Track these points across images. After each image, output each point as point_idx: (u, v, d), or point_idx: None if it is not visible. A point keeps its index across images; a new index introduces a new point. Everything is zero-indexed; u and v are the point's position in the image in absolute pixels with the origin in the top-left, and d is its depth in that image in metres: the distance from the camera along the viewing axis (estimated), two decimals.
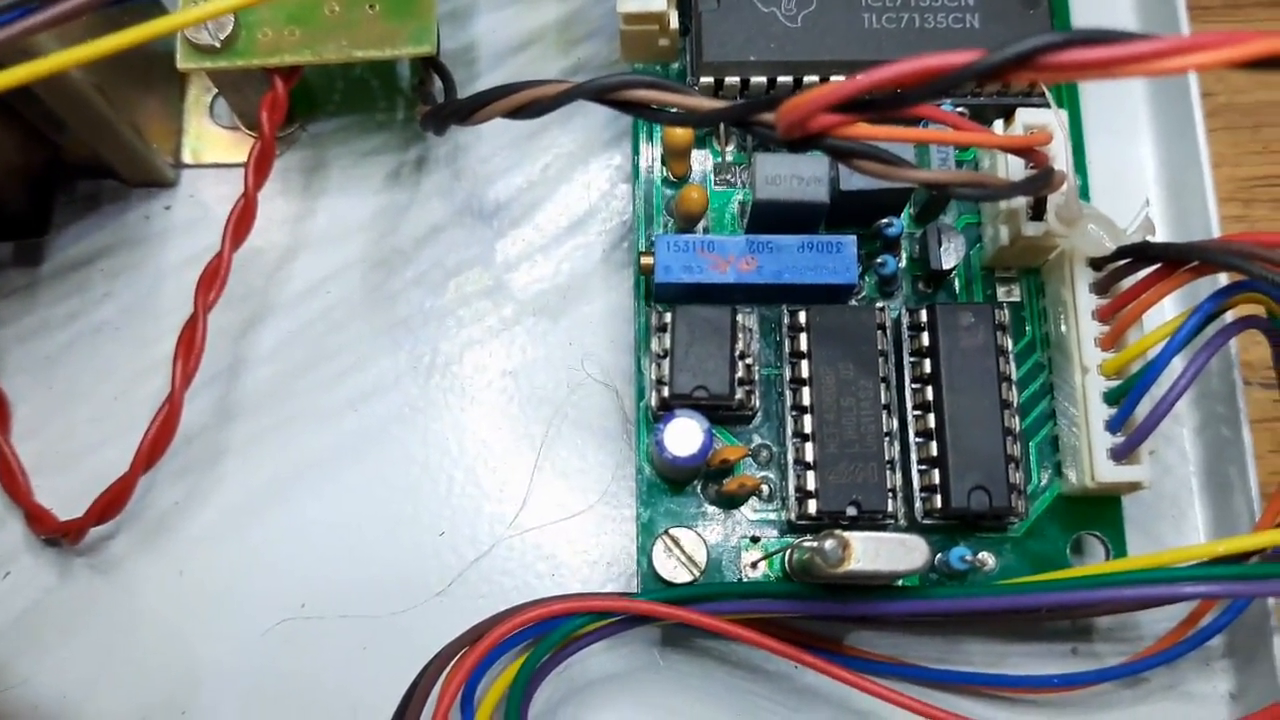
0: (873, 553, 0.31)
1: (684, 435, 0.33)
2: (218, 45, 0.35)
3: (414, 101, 0.41)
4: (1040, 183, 0.31)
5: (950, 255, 0.36)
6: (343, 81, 0.42)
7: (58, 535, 0.37)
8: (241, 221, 0.36)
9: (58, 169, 0.39)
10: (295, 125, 0.41)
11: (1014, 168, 0.35)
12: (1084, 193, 0.38)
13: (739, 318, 0.35)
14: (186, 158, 0.41)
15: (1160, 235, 0.40)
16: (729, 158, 0.38)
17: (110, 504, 0.35)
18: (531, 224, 0.41)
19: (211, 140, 0.41)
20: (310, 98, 0.42)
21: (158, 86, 0.40)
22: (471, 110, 0.32)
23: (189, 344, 0.35)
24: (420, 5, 0.36)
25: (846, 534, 0.31)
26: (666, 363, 0.35)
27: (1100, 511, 0.36)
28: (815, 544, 0.31)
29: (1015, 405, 0.35)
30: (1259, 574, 0.30)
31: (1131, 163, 0.42)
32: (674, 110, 0.30)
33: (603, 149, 0.41)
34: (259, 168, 0.36)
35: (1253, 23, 0.45)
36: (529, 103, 0.31)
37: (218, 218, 0.36)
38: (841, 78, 0.35)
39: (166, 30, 0.28)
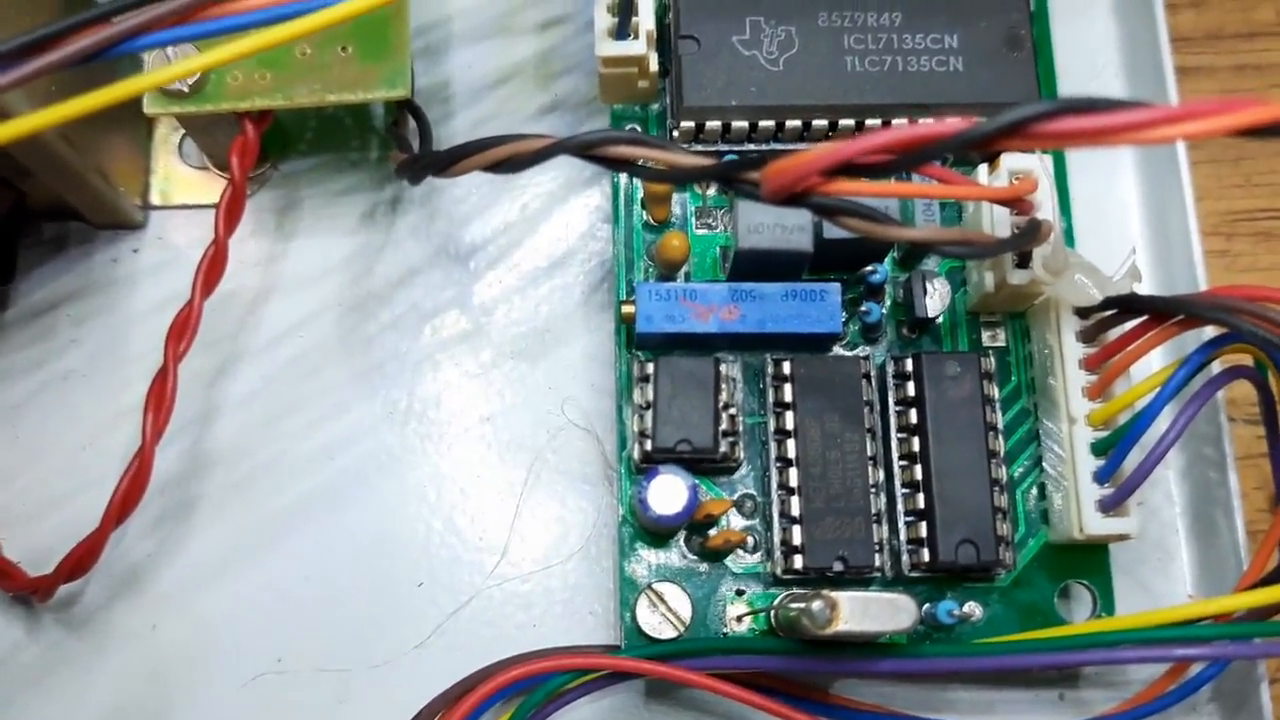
0: (860, 613, 0.30)
1: (668, 493, 0.32)
2: (186, 90, 0.34)
3: (388, 141, 0.40)
4: (1027, 237, 0.31)
5: (935, 303, 0.35)
6: (315, 120, 0.41)
7: (26, 592, 0.36)
8: (212, 270, 0.35)
9: (21, 214, 0.38)
10: (267, 165, 0.40)
11: (999, 215, 0.34)
12: (1068, 233, 0.38)
13: (722, 367, 0.35)
14: (155, 199, 0.40)
15: (1144, 271, 0.40)
16: (710, 201, 0.37)
17: (80, 561, 0.34)
18: (509, 265, 0.40)
19: (180, 181, 0.40)
20: (283, 136, 0.41)
21: (124, 127, 0.39)
22: (448, 163, 0.31)
23: (159, 397, 0.34)
24: (394, 47, 0.35)
25: (834, 594, 0.30)
26: (649, 414, 0.34)
27: (1087, 559, 0.36)
28: (803, 604, 0.30)
29: (1002, 454, 0.34)
30: (1247, 634, 0.30)
31: (1115, 199, 0.41)
32: (656, 166, 0.30)
33: (582, 188, 0.41)
34: (229, 214, 0.35)
35: (1234, 54, 0.45)
36: (507, 158, 0.30)
37: (188, 260, 0.35)
38: (823, 122, 0.36)
39: (139, 90, 0.27)
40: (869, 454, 0.34)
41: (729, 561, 0.35)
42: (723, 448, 0.34)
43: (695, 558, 0.35)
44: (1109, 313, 0.34)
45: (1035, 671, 0.36)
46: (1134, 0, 0.42)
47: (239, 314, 0.39)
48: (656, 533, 0.35)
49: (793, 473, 0.34)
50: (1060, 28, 0.41)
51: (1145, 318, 0.33)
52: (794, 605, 0.31)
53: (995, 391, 0.35)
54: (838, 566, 0.33)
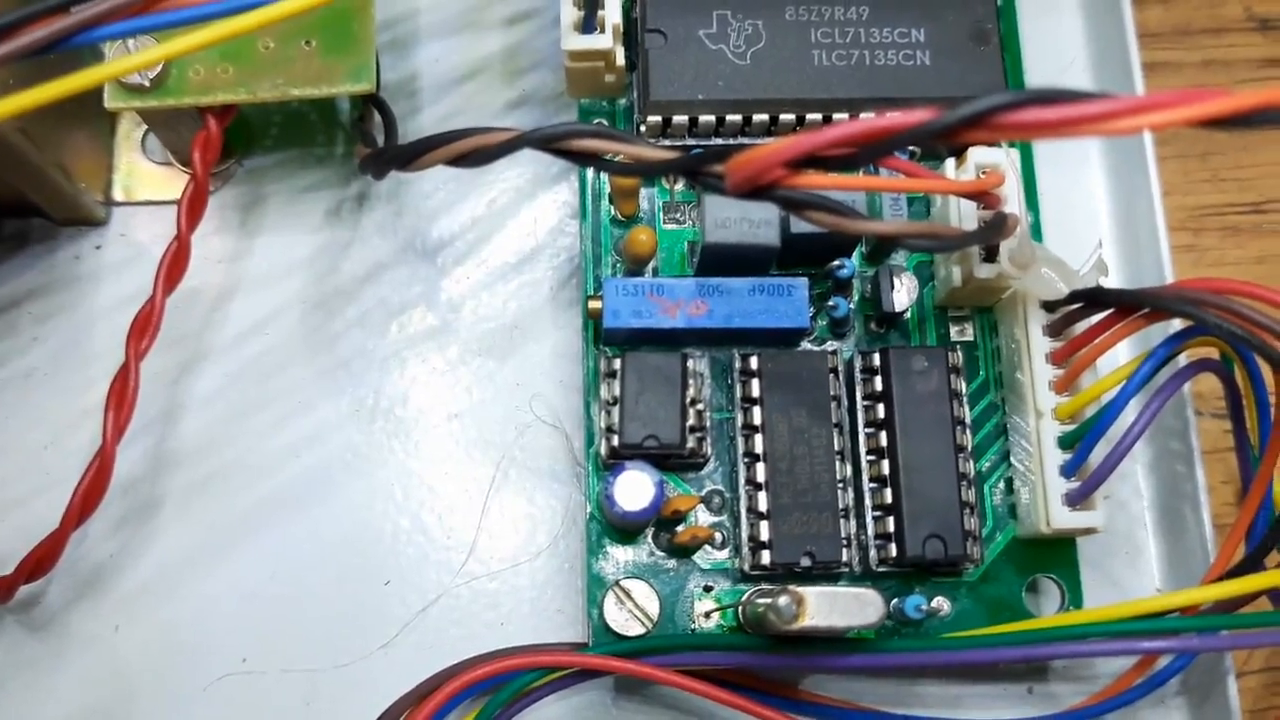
0: (827, 608, 0.30)
1: (634, 489, 0.32)
2: (147, 84, 0.34)
3: (354, 136, 0.40)
4: (993, 231, 0.31)
5: (902, 297, 0.35)
6: (280, 115, 0.41)
7: None
8: (174, 266, 0.34)
9: None
10: (231, 160, 0.40)
11: (966, 209, 0.34)
12: (1036, 227, 0.38)
13: (690, 363, 0.34)
14: (118, 195, 0.40)
15: (1111, 265, 0.40)
16: (677, 196, 0.37)
17: (41, 561, 0.34)
18: (477, 261, 0.40)
19: (143, 177, 0.40)
20: (247, 131, 0.40)
21: (86, 122, 0.39)
22: (412, 157, 0.31)
23: (121, 394, 0.34)
24: (358, 41, 0.35)
25: (801, 590, 0.30)
26: (616, 410, 0.34)
27: (1055, 553, 0.36)
28: (769, 600, 0.30)
29: (969, 449, 0.34)
30: (1214, 626, 0.30)
31: (1083, 193, 0.41)
32: (621, 160, 0.29)
33: (550, 183, 0.40)
34: (192, 210, 0.35)
35: (1201, 49, 0.45)
36: (471, 151, 0.30)
37: (151, 257, 0.35)
38: (790, 117, 0.36)
39: (98, 80, 0.27)
40: (836, 449, 0.34)
41: (697, 558, 0.35)
42: (690, 443, 0.34)
43: (663, 554, 0.35)
44: (1075, 306, 0.33)
45: (1003, 665, 0.36)
46: None
47: (203, 311, 0.39)
48: (624, 529, 0.35)
49: (760, 468, 0.34)
50: (1028, 23, 0.40)
51: (1111, 311, 0.33)
52: (761, 601, 0.31)
53: (963, 386, 0.35)
54: (805, 562, 0.33)
